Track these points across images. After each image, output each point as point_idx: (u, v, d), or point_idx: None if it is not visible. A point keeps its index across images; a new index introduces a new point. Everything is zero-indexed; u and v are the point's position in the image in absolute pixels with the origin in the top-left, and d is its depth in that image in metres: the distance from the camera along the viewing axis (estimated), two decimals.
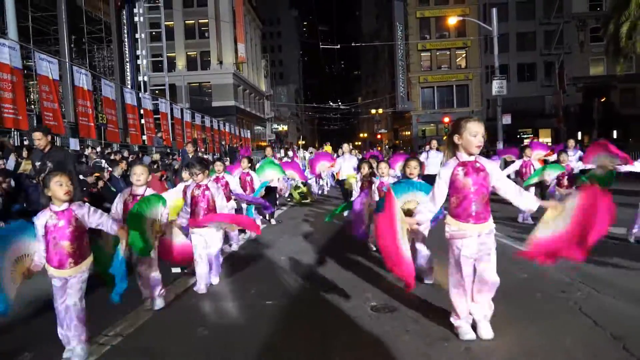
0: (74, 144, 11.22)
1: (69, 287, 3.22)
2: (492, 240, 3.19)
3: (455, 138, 3.15)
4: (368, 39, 69.78)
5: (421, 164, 6.00)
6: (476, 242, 3.14)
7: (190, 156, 8.89)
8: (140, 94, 18.60)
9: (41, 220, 3.18)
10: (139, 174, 4.13)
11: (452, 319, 3.31)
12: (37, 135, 6.04)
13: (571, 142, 9.70)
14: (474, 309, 3.24)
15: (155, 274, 4.18)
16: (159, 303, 4.18)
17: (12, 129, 9.33)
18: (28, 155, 7.47)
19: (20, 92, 9.21)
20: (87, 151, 10.63)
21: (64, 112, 14.16)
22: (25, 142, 9.22)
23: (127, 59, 23.92)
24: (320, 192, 15.06)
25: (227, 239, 6.27)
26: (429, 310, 3.76)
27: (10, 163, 7.72)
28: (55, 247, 3.17)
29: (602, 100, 34.81)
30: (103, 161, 9.28)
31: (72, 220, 3.22)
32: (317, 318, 3.80)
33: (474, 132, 3.07)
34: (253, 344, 3.33)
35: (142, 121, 17.75)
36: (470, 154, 3.15)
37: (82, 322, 3.25)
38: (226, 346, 3.35)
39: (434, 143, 11.10)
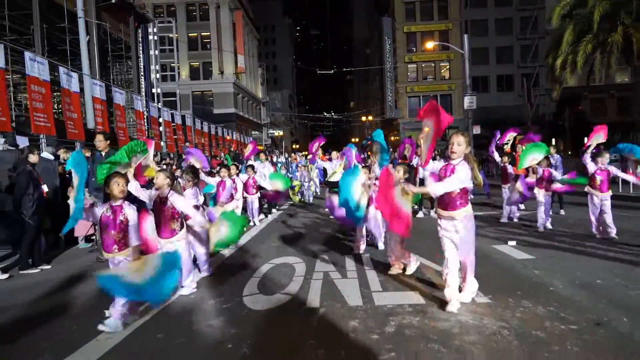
0: None
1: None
2: (463, 225, 3.89)
3: None
4: (359, 45, 72.16)
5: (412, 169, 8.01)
6: (451, 224, 3.93)
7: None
8: (174, 112, 21.58)
9: (100, 210, 3.76)
10: None
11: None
12: (99, 137, 6.63)
13: (552, 149, 9.15)
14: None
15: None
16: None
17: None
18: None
19: (78, 111, 11.73)
20: None
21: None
22: None
23: (142, 73, 26.74)
24: (310, 198, 14.85)
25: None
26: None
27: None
28: (105, 233, 3.72)
29: (576, 110, 37.71)
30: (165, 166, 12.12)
31: (121, 215, 3.73)
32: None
33: (450, 142, 3.95)
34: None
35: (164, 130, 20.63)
36: (451, 158, 3.95)
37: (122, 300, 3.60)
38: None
39: None
